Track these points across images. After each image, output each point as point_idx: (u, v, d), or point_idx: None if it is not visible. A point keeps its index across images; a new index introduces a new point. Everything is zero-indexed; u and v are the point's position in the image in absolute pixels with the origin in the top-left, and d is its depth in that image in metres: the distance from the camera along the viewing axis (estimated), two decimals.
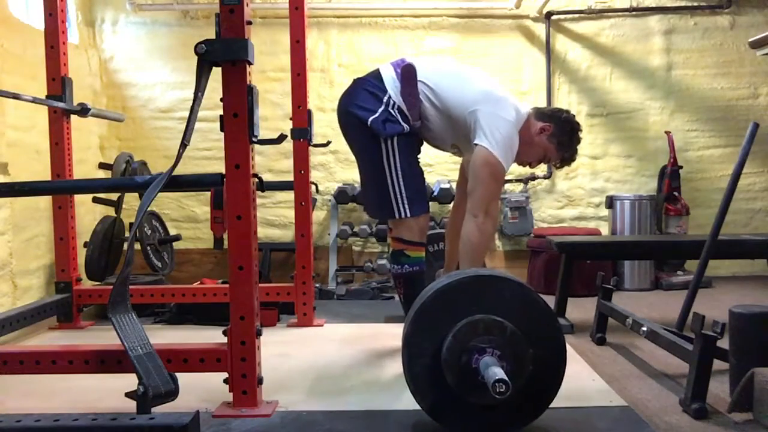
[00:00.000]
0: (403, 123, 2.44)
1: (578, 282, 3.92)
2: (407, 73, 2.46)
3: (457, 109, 2.44)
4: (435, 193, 4.47)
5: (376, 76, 2.52)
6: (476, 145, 2.38)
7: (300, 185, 3.15)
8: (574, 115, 2.60)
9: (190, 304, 3.25)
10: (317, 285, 3.93)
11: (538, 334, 1.71)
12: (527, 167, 2.67)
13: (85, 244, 3.58)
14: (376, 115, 2.41)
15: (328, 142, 3.59)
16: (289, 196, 3.39)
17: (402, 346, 1.76)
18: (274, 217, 4.89)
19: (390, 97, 2.44)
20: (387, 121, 2.41)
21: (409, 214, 2.46)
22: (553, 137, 2.52)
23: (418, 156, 2.60)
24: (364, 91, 2.49)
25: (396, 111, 2.44)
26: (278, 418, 1.90)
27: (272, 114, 4.71)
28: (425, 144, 2.68)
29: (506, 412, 1.73)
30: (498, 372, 1.58)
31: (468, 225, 2.38)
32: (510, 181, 4.86)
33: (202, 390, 2.01)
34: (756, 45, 3.88)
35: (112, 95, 4.83)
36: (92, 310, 3.47)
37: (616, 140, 4.93)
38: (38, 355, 1.97)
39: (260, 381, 1.95)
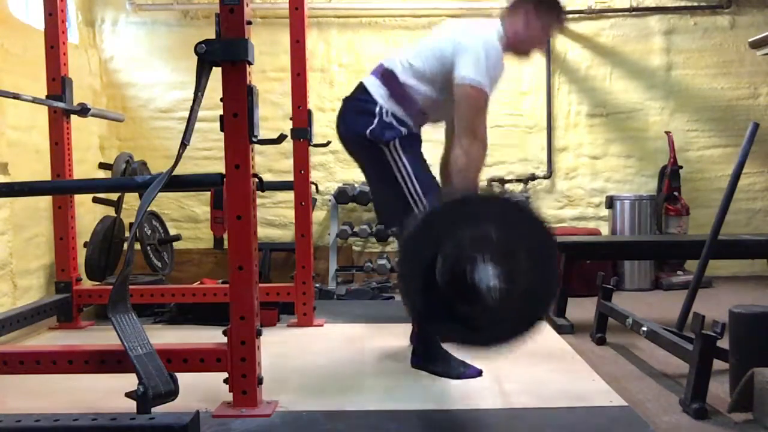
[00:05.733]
0: (400, 126, 2.43)
1: (578, 282, 3.92)
2: (389, 79, 2.45)
3: (441, 74, 2.40)
4: None
5: (361, 89, 2.50)
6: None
7: (300, 185, 3.15)
8: None
9: (190, 304, 3.24)
10: (317, 285, 3.93)
11: (530, 240, 1.73)
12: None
13: (85, 244, 3.58)
14: (373, 126, 2.41)
15: (328, 142, 3.58)
16: (289, 196, 3.38)
17: (398, 276, 1.78)
18: (274, 217, 4.89)
19: (381, 106, 2.43)
20: (384, 128, 2.41)
21: None
22: (538, 8, 2.47)
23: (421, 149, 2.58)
24: (352, 112, 2.49)
25: (391, 117, 2.43)
26: (278, 418, 1.90)
27: (272, 114, 4.71)
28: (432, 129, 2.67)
29: (509, 324, 1.75)
30: (490, 277, 1.62)
31: (455, 151, 2.37)
32: (510, 181, 4.86)
33: (202, 390, 2.01)
34: (756, 45, 3.89)
35: (112, 95, 4.83)
36: (92, 310, 3.47)
37: (616, 140, 4.93)
38: (38, 355, 1.97)
39: (260, 381, 1.95)
